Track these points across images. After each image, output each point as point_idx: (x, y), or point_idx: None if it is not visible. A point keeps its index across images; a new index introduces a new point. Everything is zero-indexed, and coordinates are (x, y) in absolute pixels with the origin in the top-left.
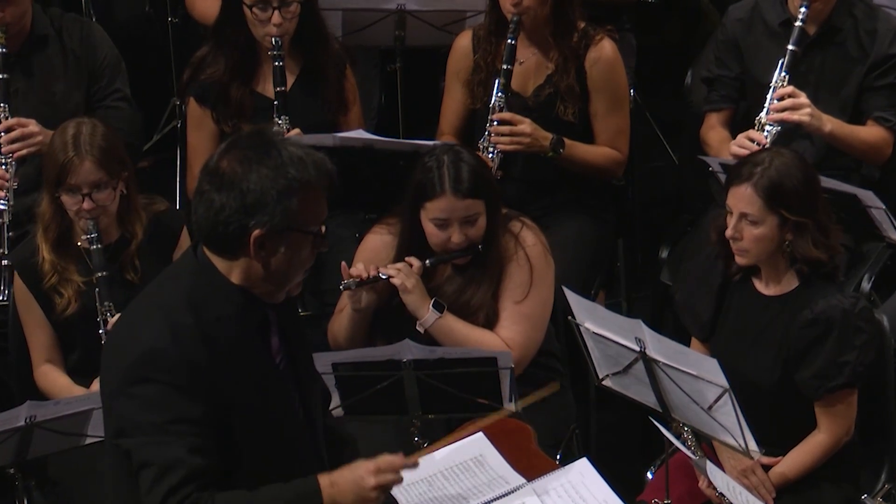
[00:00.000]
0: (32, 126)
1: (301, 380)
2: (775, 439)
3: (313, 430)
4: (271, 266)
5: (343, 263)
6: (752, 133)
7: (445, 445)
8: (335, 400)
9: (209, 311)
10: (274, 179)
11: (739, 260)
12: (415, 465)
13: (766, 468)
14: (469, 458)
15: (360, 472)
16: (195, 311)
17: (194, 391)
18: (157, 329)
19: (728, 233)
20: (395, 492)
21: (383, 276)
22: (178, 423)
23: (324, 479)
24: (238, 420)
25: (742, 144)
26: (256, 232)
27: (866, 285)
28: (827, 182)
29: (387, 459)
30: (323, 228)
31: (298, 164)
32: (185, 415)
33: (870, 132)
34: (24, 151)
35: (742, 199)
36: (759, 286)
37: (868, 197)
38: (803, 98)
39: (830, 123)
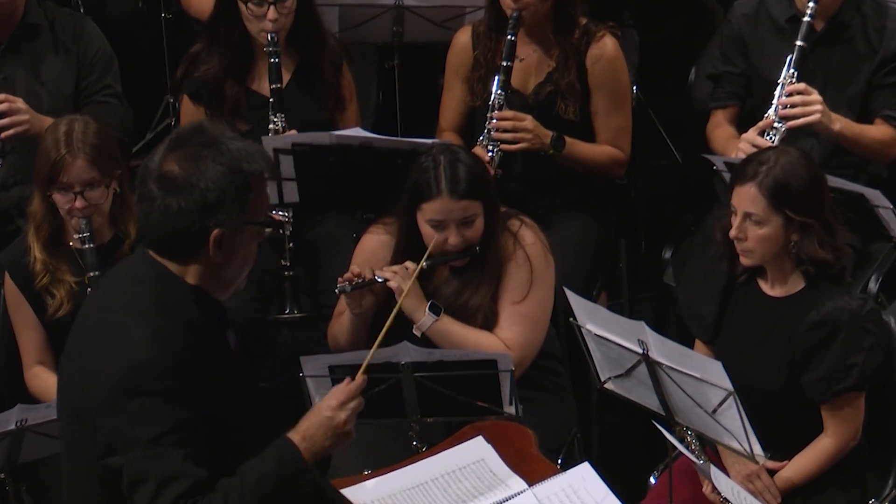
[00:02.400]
0: (20, 103)
1: (250, 368)
2: (781, 443)
3: (263, 417)
4: (228, 263)
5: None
6: (758, 140)
7: (446, 449)
8: None
9: (179, 315)
10: (230, 175)
11: (744, 261)
12: (363, 383)
13: (772, 473)
14: (470, 462)
15: (327, 412)
16: (168, 316)
17: (185, 396)
18: (140, 338)
19: (732, 233)
20: (397, 496)
21: (379, 279)
22: (173, 433)
23: (295, 436)
24: (224, 415)
25: (747, 151)
26: (216, 231)
27: (874, 286)
28: (834, 181)
29: (341, 389)
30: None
31: (248, 157)
32: (179, 422)
33: (878, 131)
34: (11, 131)
35: (746, 198)
36: (765, 287)
37: (875, 196)
38: (815, 95)
39: (839, 122)
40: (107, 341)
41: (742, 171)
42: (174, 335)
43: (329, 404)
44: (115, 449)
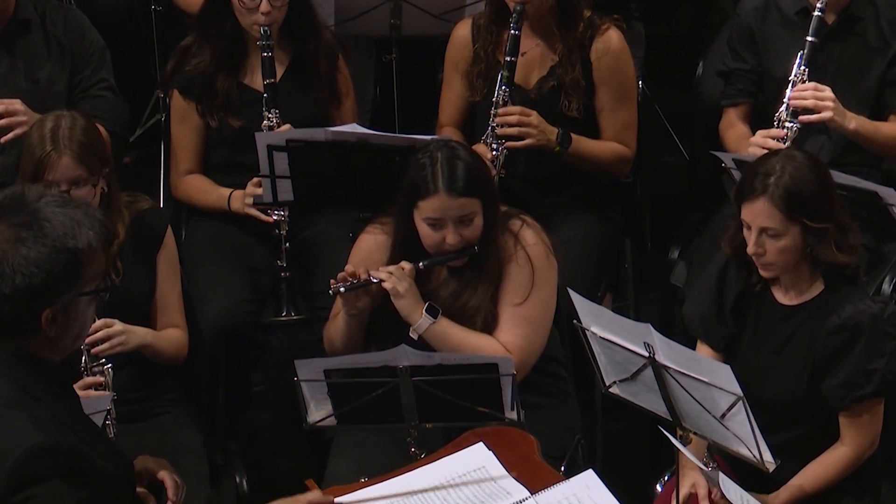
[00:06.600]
0: (18, 104)
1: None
2: (800, 453)
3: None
4: (64, 334)
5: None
6: (772, 131)
7: (445, 455)
8: (327, 409)
9: (41, 392)
10: (56, 256)
11: (765, 273)
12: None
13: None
14: (470, 468)
15: None
16: (35, 398)
17: (77, 477)
18: (21, 427)
19: (750, 250)
20: (396, 502)
21: (374, 280)
22: None
23: None
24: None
25: (763, 144)
26: (47, 311)
27: (887, 287)
28: (846, 179)
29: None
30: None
31: (72, 231)
32: (81, 501)
33: (894, 128)
34: (10, 135)
35: (760, 213)
36: (779, 295)
37: (889, 194)
38: (827, 92)
39: (854, 121)
40: None
41: (749, 186)
42: (52, 419)
43: None
44: None
